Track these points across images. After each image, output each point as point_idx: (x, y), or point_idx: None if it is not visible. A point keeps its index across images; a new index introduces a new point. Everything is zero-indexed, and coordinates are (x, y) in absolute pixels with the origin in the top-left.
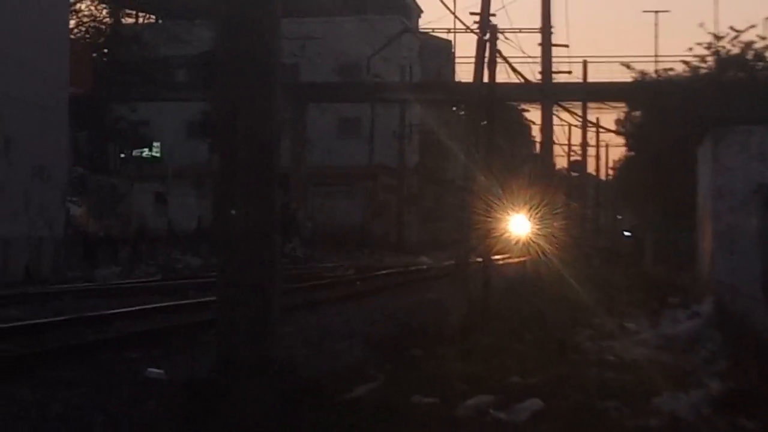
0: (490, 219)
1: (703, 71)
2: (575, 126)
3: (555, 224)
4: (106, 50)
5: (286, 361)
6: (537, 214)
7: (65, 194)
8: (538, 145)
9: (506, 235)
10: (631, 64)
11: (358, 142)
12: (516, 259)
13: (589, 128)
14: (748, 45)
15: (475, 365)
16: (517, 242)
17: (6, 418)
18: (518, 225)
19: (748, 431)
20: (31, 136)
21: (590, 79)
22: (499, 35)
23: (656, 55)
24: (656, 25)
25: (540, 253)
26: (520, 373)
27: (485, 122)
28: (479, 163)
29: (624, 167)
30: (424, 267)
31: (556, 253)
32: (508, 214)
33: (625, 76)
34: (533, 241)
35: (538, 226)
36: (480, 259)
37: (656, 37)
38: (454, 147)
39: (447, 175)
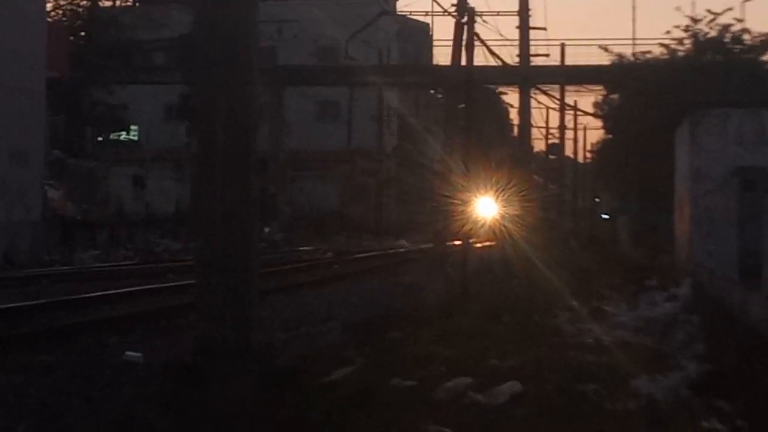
0: (456, 201)
1: (680, 54)
2: (553, 109)
3: (526, 206)
4: (83, 33)
5: (264, 345)
6: (505, 195)
7: (43, 178)
8: (516, 128)
9: (472, 217)
10: (609, 47)
11: (337, 126)
12: (483, 243)
13: (567, 111)
14: (726, 28)
15: (454, 348)
16: (482, 225)
17: None
18: (484, 207)
19: (725, 413)
20: (8, 120)
21: (568, 62)
22: (477, 18)
23: (634, 38)
24: (634, 8)
25: (507, 236)
26: (498, 356)
27: (463, 105)
28: (453, 146)
29: (602, 150)
30: (402, 250)
31: (524, 235)
32: (475, 196)
33: (603, 59)
34: (499, 224)
35: (505, 208)
36: (458, 243)
37: (634, 20)
38: (431, 130)
39: (425, 159)
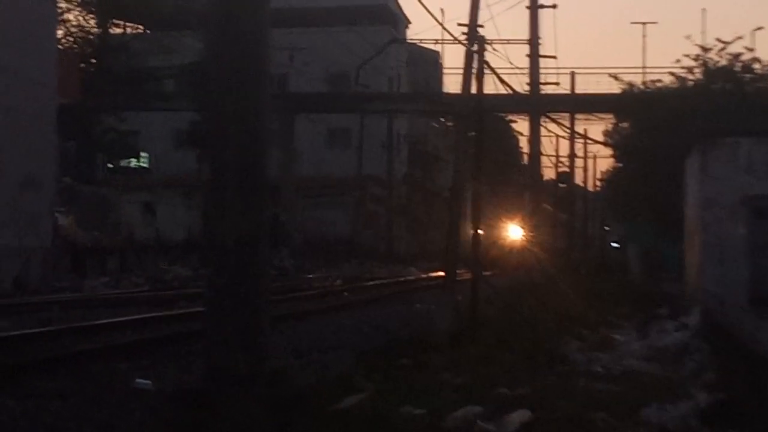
0: (485, 226)
1: (690, 83)
2: (563, 137)
3: (536, 234)
4: (94, 60)
5: (274, 372)
6: (530, 222)
7: (53, 204)
8: (526, 157)
9: (500, 242)
10: (619, 75)
11: (347, 153)
12: (511, 268)
13: (576, 139)
14: (736, 57)
15: (464, 376)
16: (510, 249)
17: None
18: (513, 232)
19: None
20: (19, 146)
21: (578, 90)
22: (487, 46)
23: (644, 67)
24: (644, 36)
25: (536, 260)
26: (508, 384)
27: (474, 133)
28: (463, 174)
29: (612, 178)
30: (412, 278)
31: (550, 261)
32: (502, 222)
33: (613, 88)
34: (528, 249)
35: (531, 234)
36: (466, 271)
37: (644, 48)
38: (441, 158)
39: (435, 186)
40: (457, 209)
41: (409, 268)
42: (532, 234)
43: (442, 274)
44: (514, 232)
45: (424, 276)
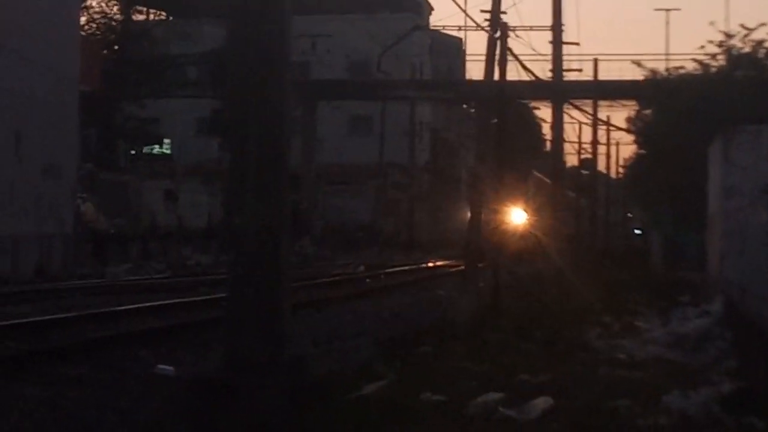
0: (489, 211)
1: (713, 70)
2: (586, 124)
3: (559, 220)
4: (116, 47)
5: (295, 360)
6: (537, 209)
7: (75, 191)
8: (548, 143)
9: (503, 226)
10: (642, 62)
11: (369, 141)
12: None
13: (599, 126)
14: (759, 43)
15: (485, 363)
16: (513, 234)
17: (16, 416)
18: (516, 217)
19: (757, 430)
20: (41, 133)
21: (601, 77)
22: (510, 33)
23: (667, 54)
24: (667, 23)
25: (540, 247)
26: (529, 371)
27: (496, 120)
28: (485, 160)
29: (634, 166)
30: (432, 265)
31: (556, 248)
32: (506, 207)
33: (636, 75)
34: (532, 233)
35: (534, 219)
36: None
37: (667, 35)
38: (463, 144)
39: (457, 173)
40: (477, 196)
41: (429, 255)
42: (536, 218)
43: (462, 261)
44: (517, 217)
45: (445, 263)
